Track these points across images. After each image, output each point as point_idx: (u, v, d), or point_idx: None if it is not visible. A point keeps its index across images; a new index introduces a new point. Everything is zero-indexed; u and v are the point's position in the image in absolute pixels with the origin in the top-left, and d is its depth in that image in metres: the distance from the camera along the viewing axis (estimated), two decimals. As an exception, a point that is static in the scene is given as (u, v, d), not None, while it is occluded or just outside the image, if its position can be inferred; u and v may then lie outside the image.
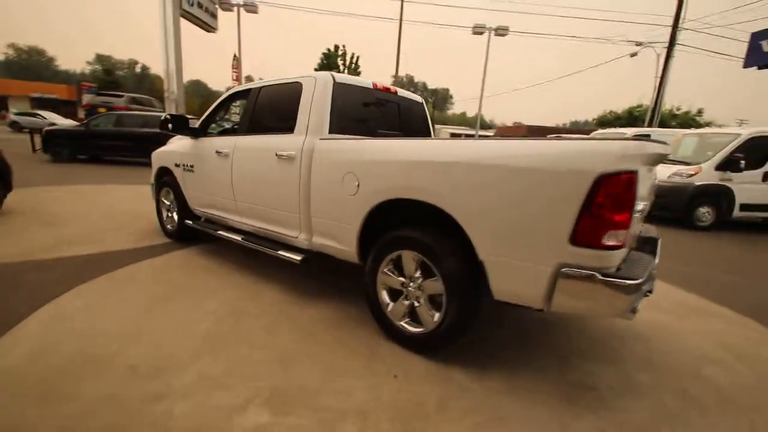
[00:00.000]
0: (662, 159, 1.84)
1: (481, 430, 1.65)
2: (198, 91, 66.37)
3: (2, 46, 67.87)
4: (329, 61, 25.43)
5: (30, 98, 35.83)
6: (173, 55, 12.90)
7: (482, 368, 2.09)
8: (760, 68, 11.46)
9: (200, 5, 14.73)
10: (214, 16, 16.50)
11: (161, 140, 4.75)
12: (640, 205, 1.76)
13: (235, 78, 22.22)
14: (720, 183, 6.52)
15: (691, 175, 6.58)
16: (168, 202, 4.18)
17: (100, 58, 70.50)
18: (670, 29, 13.61)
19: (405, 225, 2.22)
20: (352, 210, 2.35)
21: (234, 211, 3.30)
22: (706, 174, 6.54)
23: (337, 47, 25.93)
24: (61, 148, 10.50)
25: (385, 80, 3.16)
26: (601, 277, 1.54)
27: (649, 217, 2.53)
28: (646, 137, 1.53)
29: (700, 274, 4.13)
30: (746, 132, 6.59)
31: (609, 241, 1.54)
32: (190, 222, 3.84)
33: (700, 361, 2.33)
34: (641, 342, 2.52)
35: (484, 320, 2.61)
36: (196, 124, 3.75)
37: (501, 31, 21.43)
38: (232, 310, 2.61)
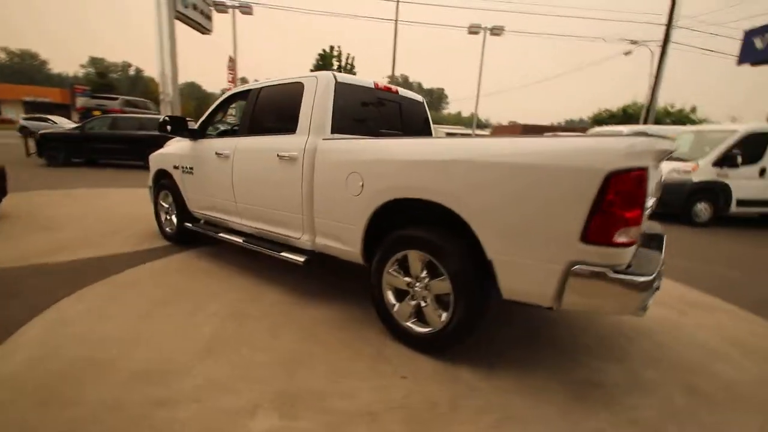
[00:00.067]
0: (669, 155, 1.84)
1: (496, 430, 1.63)
2: (193, 93, 66.05)
3: (-6, 50, 67.37)
4: (325, 62, 25.39)
5: (23, 102, 35.55)
6: (168, 58, 12.86)
7: (490, 367, 2.08)
8: (753, 65, 11.59)
9: (195, 7, 14.69)
10: (208, 17, 16.46)
11: (157, 143, 4.69)
12: (650, 202, 1.75)
13: (230, 80, 22.14)
14: (717, 179, 6.57)
15: (689, 172, 6.62)
16: (166, 205, 4.14)
17: (94, 61, 70.14)
18: (664, 27, 13.69)
19: (410, 225, 2.20)
20: (356, 210, 2.33)
21: (235, 212, 3.26)
22: (703, 170, 6.58)
23: (332, 48, 25.90)
24: (56, 152, 10.35)
25: (381, 81, 3.20)
26: (612, 275, 1.53)
27: (649, 214, 2.53)
28: (644, 134, 1.53)
29: (700, 270, 4.14)
30: (743, 128, 6.64)
31: (620, 239, 1.53)
32: (190, 225, 3.79)
33: (707, 357, 2.33)
34: (647, 338, 2.52)
35: (490, 319, 2.59)
36: (194, 125, 3.71)
37: (496, 31, 21.57)
38: (233, 313, 2.58)
